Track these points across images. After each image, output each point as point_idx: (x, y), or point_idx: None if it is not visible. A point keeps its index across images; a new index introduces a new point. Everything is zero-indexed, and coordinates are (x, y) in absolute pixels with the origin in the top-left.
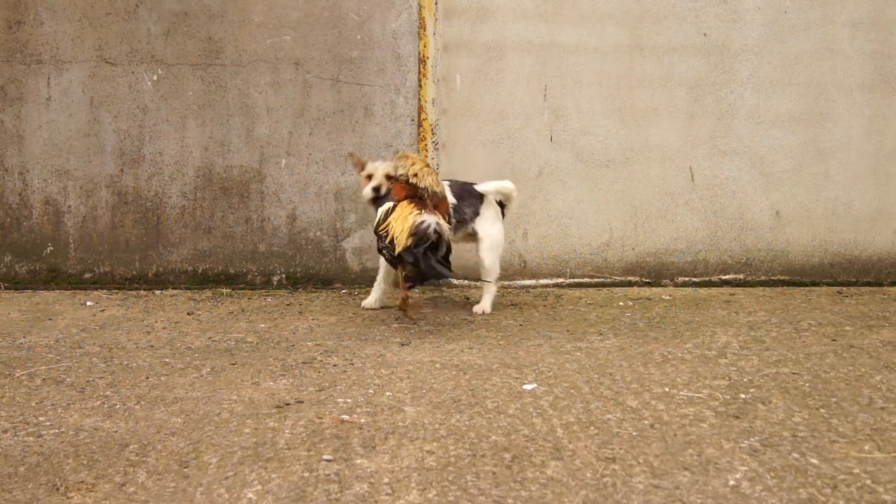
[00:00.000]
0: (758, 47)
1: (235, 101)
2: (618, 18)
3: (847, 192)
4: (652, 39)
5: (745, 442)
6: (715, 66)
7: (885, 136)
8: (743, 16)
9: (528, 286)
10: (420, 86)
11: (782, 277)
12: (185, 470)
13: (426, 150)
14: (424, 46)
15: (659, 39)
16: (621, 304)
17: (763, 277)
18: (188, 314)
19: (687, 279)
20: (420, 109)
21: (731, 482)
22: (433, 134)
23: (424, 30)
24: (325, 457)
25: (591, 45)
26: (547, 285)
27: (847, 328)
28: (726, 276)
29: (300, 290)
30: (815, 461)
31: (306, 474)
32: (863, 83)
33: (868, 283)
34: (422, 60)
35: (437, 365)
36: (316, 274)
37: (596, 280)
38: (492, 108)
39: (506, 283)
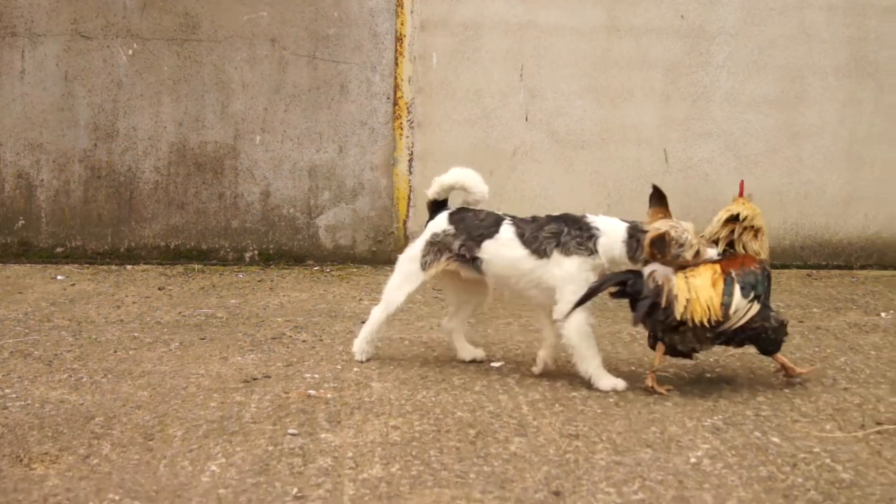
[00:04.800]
0: (734, 30)
1: (211, 76)
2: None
3: (820, 175)
4: (629, 21)
5: (709, 420)
6: (692, 48)
7: (858, 120)
8: None
9: None
10: (396, 64)
11: None
12: (150, 443)
13: (401, 129)
14: (402, 24)
15: (636, 21)
16: None
17: None
18: (159, 289)
19: None
20: (396, 87)
21: (693, 459)
22: (409, 112)
23: (402, 7)
24: (290, 431)
25: (568, 26)
26: None
27: (815, 310)
28: None
29: (272, 266)
30: (776, 440)
31: (270, 448)
32: (837, 67)
33: (838, 267)
34: (399, 38)
35: (406, 342)
36: (289, 251)
37: None
38: (468, 88)
39: None
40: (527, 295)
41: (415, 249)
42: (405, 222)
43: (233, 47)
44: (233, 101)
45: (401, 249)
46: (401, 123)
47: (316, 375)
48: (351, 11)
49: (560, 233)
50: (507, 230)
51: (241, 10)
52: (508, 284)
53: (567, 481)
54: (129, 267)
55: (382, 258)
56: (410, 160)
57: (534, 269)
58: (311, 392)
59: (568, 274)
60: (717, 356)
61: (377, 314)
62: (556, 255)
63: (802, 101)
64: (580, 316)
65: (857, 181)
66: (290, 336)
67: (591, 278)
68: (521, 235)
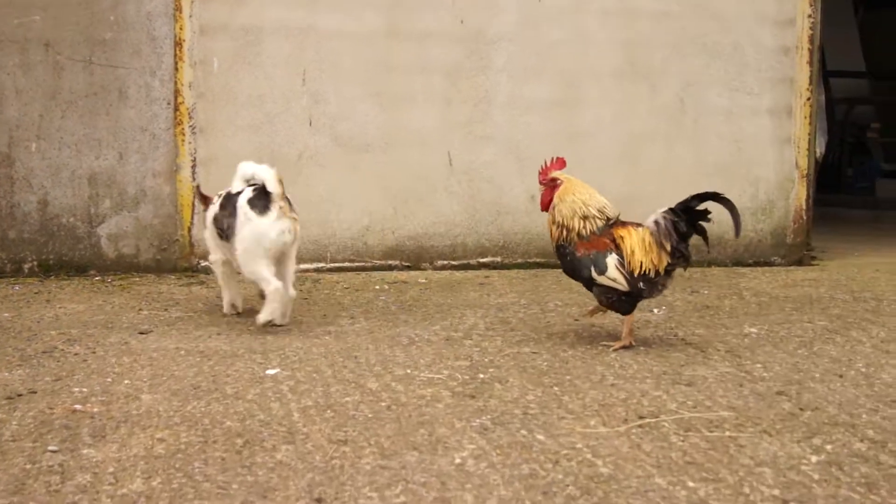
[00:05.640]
0: (513, 35)
1: None
2: (375, 4)
3: (599, 175)
4: (409, 25)
5: (477, 420)
6: (472, 52)
7: (633, 121)
8: (498, 3)
9: None
10: (176, 69)
11: (538, 259)
12: None
13: (183, 135)
14: (181, 29)
15: (417, 25)
16: (377, 287)
17: (520, 260)
18: None
19: (446, 262)
20: (177, 93)
21: (458, 460)
22: (190, 118)
23: (180, 12)
24: (50, 448)
25: (348, 31)
26: (307, 270)
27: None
28: (484, 259)
29: (52, 277)
30: (541, 437)
31: (28, 466)
32: (613, 70)
33: None
34: (178, 43)
35: (182, 352)
36: (70, 261)
37: (357, 264)
38: (250, 93)
39: None
40: None
41: None
42: (190, 229)
43: (4, 52)
44: (6, 108)
45: (186, 257)
46: (182, 129)
47: (84, 389)
48: (128, 16)
49: None
50: None
51: (11, 14)
52: None
53: (330, 487)
54: None
55: (167, 266)
56: (194, 166)
57: None
58: (78, 406)
59: None
60: (492, 356)
61: None
62: None
63: (580, 103)
64: None
65: (635, 180)
66: (62, 349)
67: None
68: None
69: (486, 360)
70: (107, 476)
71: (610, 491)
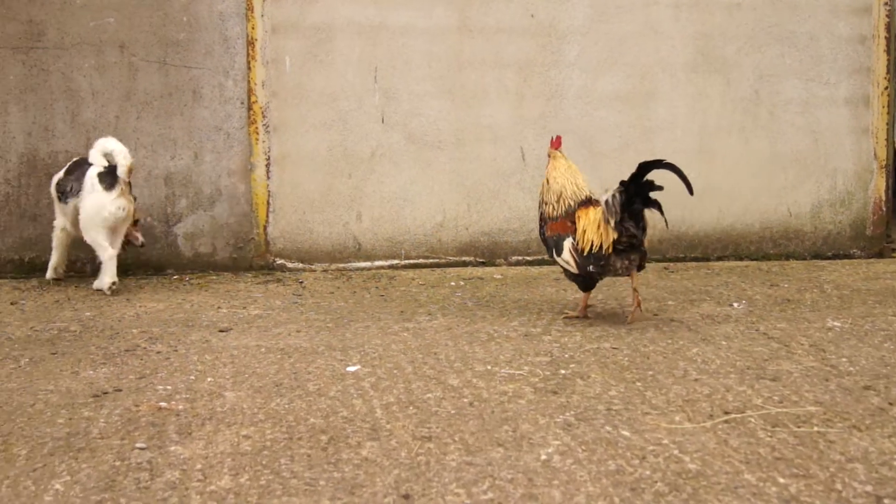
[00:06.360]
0: (584, 28)
1: (59, 85)
2: (446, 0)
3: None
4: (481, 21)
5: (561, 417)
6: (543, 47)
7: (708, 114)
8: None
9: (363, 268)
10: (249, 68)
11: None
12: None
13: (257, 134)
14: (252, 28)
15: (488, 21)
16: (453, 284)
17: None
18: (11, 304)
19: (520, 258)
20: (250, 92)
21: (543, 456)
22: (264, 117)
23: (252, 11)
24: (138, 445)
25: (420, 27)
26: (381, 267)
27: (670, 302)
28: None
29: (131, 276)
30: (626, 433)
31: (118, 463)
32: (686, 63)
33: (695, 259)
34: (250, 42)
35: (263, 349)
36: (147, 260)
37: (431, 261)
38: (322, 91)
39: (340, 265)
40: None
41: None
42: (265, 227)
43: (80, 54)
44: (83, 110)
45: (262, 255)
46: (256, 128)
47: (169, 387)
48: (201, 16)
49: None
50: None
51: (87, 17)
52: None
53: (417, 484)
54: None
55: (243, 265)
56: (268, 165)
57: None
58: (163, 404)
59: None
60: (572, 352)
61: None
62: None
63: (653, 96)
64: None
65: (710, 174)
66: (145, 347)
67: None
68: None
69: (567, 355)
70: (195, 473)
71: (699, 487)
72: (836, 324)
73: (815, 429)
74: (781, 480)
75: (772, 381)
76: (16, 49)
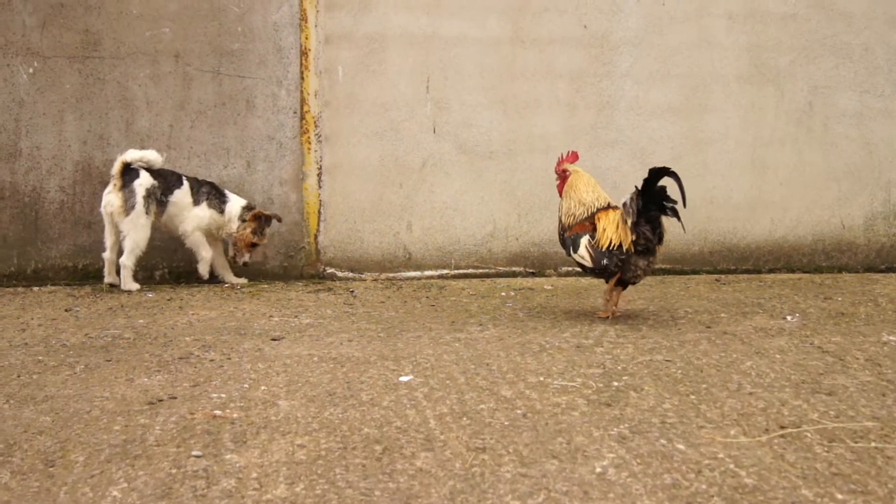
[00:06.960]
0: (637, 39)
1: (114, 94)
2: (499, 10)
3: (725, 181)
4: (533, 31)
5: (615, 429)
6: (595, 57)
7: (761, 126)
8: (622, 7)
9: (413, 277)
10: (302, 78)
11: (663, 266)
12: (51, 469)
13: (309, 143)
14: (306, 38)
15: (540, 31)
16: (503, 294)
17: None
18: (66, 311)
19: (570, 269)
20: (302, 102)
21: (598, 469)
22: (316, 126)
23: (306, 21)
24: (194, 453)
25: (472, 37)
26: (431, 276)
27: (722, 315)
28: None
29: (183, 284)
30: (681, 447)
31: (174, 471)
32: (739, 74)
33: (747, 271)
34: (304, 52)
35: (315, 358)
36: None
37: (480, 271)
38: (375, 100)
39: (390, 274)
40: None
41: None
42: (316, 237)
43: (136, 64)
44: (137, 119)
45: (313, 264)
46: (308, 138)
47: (223, 395)
48: (255, 26)
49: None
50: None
51: (142, 27)
52: None
53: (472, 495)
54: (35, 289)
55: (294, 273)
56: (319, 174)
57: None
58: (217, 412)
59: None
60: (625, 364)
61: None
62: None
63: (706, 108)
64: None
65: (763, 186)
66: (198, 355)
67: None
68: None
69: (619, 367)
70: (251, 481)
71: (756, 502)
72: (891, 338)
73: (873, 444)
74: (839, 496)
75: (827, 396)
76: (72, 58)
